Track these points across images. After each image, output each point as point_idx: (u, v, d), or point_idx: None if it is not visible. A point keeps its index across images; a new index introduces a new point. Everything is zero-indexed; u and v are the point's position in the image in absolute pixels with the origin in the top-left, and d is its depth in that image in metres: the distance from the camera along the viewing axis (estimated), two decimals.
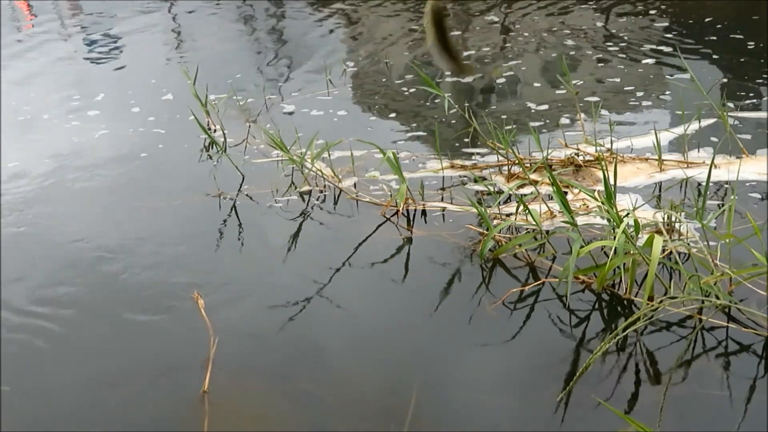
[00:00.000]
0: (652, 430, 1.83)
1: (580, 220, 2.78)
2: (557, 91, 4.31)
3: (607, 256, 2.55)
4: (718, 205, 2.93)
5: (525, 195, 3.08)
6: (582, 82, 4.44)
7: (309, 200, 3.36)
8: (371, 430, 2.07)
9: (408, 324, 2.48)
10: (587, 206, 2.99)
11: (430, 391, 2.17)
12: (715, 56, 4.67)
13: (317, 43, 5.90)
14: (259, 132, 3.94)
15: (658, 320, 2.31)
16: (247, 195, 3.45)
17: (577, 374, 2.12)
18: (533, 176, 3.20)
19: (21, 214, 3.46)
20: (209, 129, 4.08)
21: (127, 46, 6.40)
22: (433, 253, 2.86)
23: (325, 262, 2.85)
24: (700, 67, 4.45)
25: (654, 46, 4.96)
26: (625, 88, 4.32)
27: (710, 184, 2.62)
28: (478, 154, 3.62)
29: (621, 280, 2.50)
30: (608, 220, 2.54)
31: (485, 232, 2.83)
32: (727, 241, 2.39)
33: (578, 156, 3.37)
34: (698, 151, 3.39)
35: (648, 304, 2.25)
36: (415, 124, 4.12)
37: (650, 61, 4.72)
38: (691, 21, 5.44)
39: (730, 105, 3.82)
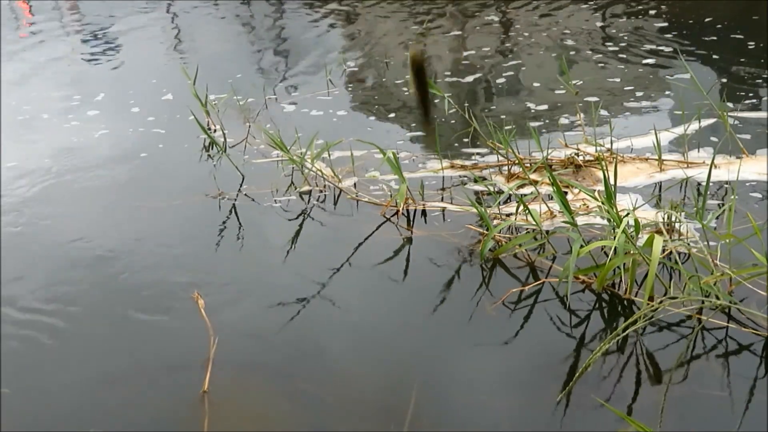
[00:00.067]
0: (652, 430, 1.83)
1: (580, 220, 2.79)
2: (557, 92, 4.31)
3: (607, 256, 2.55)
4: (719, 204, 2.93)
5: (525, 195, 3.08)
6: (582, 82, 4.44)
7: (309, 200, 3.36)
8: (371, 430, 2.07)
9: (408, 324, 2.48)
10: (587, 206, 2.99)
11: (430, 391, 2.17)
12: (715, 56, 4.67)
13: (317, 43, 5.90)
14: (259, 132, 3.94)
15: (658, 320, 2.31)
16: (246, 195, 3.45)
17: (577, 374, 2.12)
18: (533, 176, 3.20)
19: (20, 214, 3.46)
20: (209, 129, 4.08)
21: (126, 46, 6.40)
22: (433, 253, 2.86)
23: (325, 262, 2.85)
24: (700, 67, 4.46)
25: (654, 47, 4.96)
26: (625, 88, 4.32)
27: (710, 184, 2.62)
28: (478, 154, 3.62)
29: (621, 280, 2.49)
30: (608, 220, 2.54)
31: (485, 232, 2.83)
32: (727, 241, 2.39)
33: (578, 156, 3.37)
34: (698, 151, 3.39)
35: (648, 304, 2.25)
36: (414, 124, 4.12)
37: (650, 61, 4.72)
38: (691, 21, 5.44)
39: (730, 105, 3.82)
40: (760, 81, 4.23)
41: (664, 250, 2.48)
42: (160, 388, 2.28)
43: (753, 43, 4.81)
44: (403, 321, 2.51)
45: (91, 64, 5.97)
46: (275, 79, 5.15)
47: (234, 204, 3.38)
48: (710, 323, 2.30)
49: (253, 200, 3.40)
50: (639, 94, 4.22)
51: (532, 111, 4.12)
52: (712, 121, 3.59)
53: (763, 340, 2.21)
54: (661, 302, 2.26)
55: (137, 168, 3.87)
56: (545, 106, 4.16)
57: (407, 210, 3.16)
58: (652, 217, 2.82)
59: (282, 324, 2.52)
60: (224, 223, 3.25)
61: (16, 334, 2.60)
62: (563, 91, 4.19)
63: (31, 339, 2.57)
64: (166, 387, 2.29)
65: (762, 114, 3.79)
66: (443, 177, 3.42)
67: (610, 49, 5.05)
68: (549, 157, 3.36)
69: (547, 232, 2.81)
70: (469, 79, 4.75)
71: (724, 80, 4.28)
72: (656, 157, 3.30)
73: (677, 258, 2.55)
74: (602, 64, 4.80)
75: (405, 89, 4.66)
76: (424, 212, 3.15)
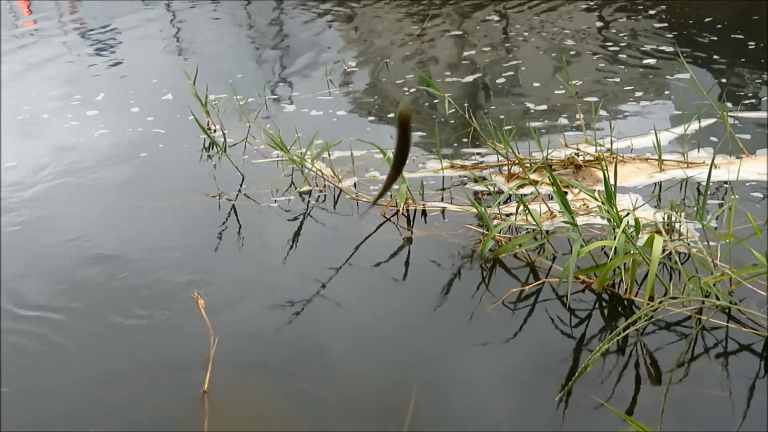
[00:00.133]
0: (652, 430, 1.82)
1: (580, 220, 2.78)
2: (557, 92, 4.31)
3: (608, 256, 2.55)
4: (719, 204, 2.93)
5: (525, 195, 3.08)
6: (581, 82, 4.44)
7: (309, 200, 3.36)
8: (371, 430, 2.07)
9: (408, 324, 2.48)
10: (587, 206, 2.99)
11: (430, 391, 2.17)
12: (715, 56, 4.67)
13: (317, 43, 5.90)
14: (259, 132, 3.94)
15: (658, 320, 2.31)
16: (245, 195, 3.45)
17: (577, 374, 2.12)
18: (533, 176, 3.20)
19: (19, 214, 3.46)
20: (209, 129, 4.08)
21: (126, 46, 6.40)
22: (433, 253, 2.85)
23: (325, 262, 2.85)
24: (700, 68, 4.46)
25: (654, 46, 4.96)
26: (625, 88, 4.32)
27: (710, 183, 2.62)
28: (478, 154, 3.63)
29: (621, 280, 2.49)
30: (608, 220, 2.54)
31: (485, 232, 2.83)
32: (727, 241, 2.39)
33: (578, 156, 3.37)
34: (698, 151, 3.39)
35: (648, 304, 2.25)
36: (415, 124, 4.12)
37: (650, 61, 4.72)
38: (691, 21, 5.44)
39: (730, 105, 3.82)
40: (760, 81, 4.23)
41: (664, 250, 2.48)
42: (160, 388, 2.28)
43: (753, 43, 4.81)
44: (403, 321, 2.51)
45: (91, 63, 5.97)
46: (275, 79, 5.16)
47: (234, 204, 3.38)
48: (710, 323, 2.30)
49: (253, 200, 3.40)
50: (639, 94, 4.22)
51: (532, 111, 4.12)
52: (712, 121, 3.59)
53: (763, 340, 2.21)
54: (661, 302, 2.26)
55: (137, 168, 3.87)
56: (545, 106, 4.16)
57: (407, 210, 3.16)
58: (651, 216, 2.82)
59: (282, 324, 2.52)
60: (224, 223, 3.25)
61: (16, 333, 2.60)
62: (563, 91, 4.19)
63: (29, 339, 2.57)
64: (166, 387, 2.29)
65: (762, 114, 3.79)
66: (443, 177, 3.42)
67: (610, 49, 5.05)
68: (549, 157, 3.36)
69: (547, 232, 2.81)
70: (469, 79, 4.75)
71: (724, 80, 4.28)
72: (656, 157, 3.30)
73: (677, 259, 2.55)
74: (602, 64, 4.80)
75: (405, 89, 4.66)
76: (424, 212, 3.15)
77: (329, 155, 3.52)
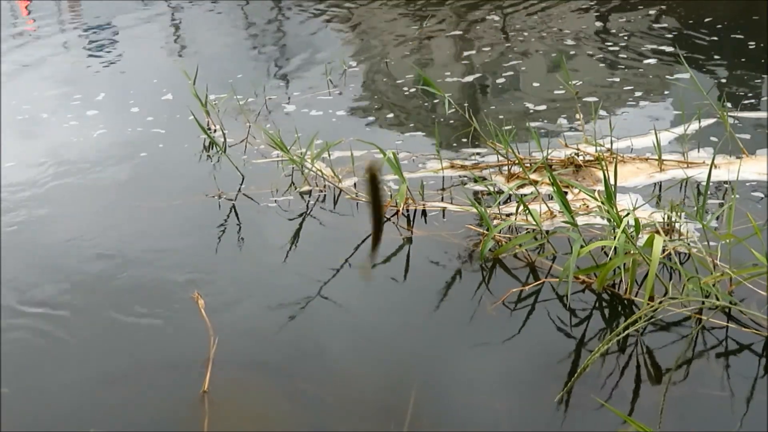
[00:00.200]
0: (652, 430, 1.82)
1: (581, 220, 2.78)
2: (557, 91, 4.31)
3: (608, 256, 2.55)
4: (719, 204, 2.93)
5: (525, 195, 3.08)
6: (581, 82, 4.44)
7: (309, 200, 3.36)
8: (371, 430, 2.07)
9: (408, 324, 2.48)
10: (587, 206, 2.99)
11: (430, 391, 2.17)
12: (715, 56, 4.67)
13: (317, 43, 5.90)
14: (259, 132, 3.94)
15: (658, 320, 2.31)
16: (245, 194, 3.45)
17: (577, 374, 2.12)
18: (533, 176, 3.19)
19: (18, 214, 3.46)
20: (209, 129, 4.08)
21: (126, 46, 6.40)
22: (433, 253, 2.85)
23: (325, 262, 2.85)
24: (700, 67, 4.46)
25: (654, 46, 4.96)
26: (625, 88, 4.32)
27: (710, 183, 2.62)
28: (478, 154, 3.62)
29: (621, 280, 2.49)
30: (608, 220, 2.54)
31: (485, 232, 2.83)
32: (727, 241, 2.39)
33: (578, 156, 3.37)
34: (698, 151, 3.40)
35: (648, 304, 2.24)
36: (415, 124, 4.12)
37: (650, 61, 4.72)
38: (691, 21, 5.44)
39: (730, 105, 3.82)
40: (760, 81, 4.23)
41: (664, 250, 2.48)
42: (160, 388, 2.28)
43: (753, 43, 4.81)
44: (403, 321, 2.51)
45: (91, 63, 5.97)
46: (275, 79, 5.15)
47: (234, 204, 3.38)
48: (710, 323, 2.30)
49: (253, 200, 3.40)
50: (639, 94, 4.22)
51: (532, 111, 4.12)
52: (712, 121, 3.59)
53: (763, 340, 2.21)
54: (661, 302, 2.26)
55: (137, 168, 3.87)
56: (545, 106, 4.17)
57: (407, 210, 3.16)
58: (651, 217, 2.82)
59: (282, 324, 2.52)
60: (224, 223, 3.25)
61: (15, 333, 2.60)
62: (563, 91, 4.18)
63: (29, 339, 2.57)
64: (166, 387, 2.29)
65: (762, 114, 3.79)
66: (443, 177, 3.42)
67: (610, 49, 5.05)
68: (549, 157, 3.36)
69: (547, 232, 2.81)
70: (469, 79, 4.75)
71: (724, 80, 4.28)
72: (656, 157, 3.30)
73: (676, 259, 2.55)
74: (602, 64, 4.79)
75: (405, 89, 4.66)
76: (424, 212, 3.15)
77: (329, 155, 3.52)
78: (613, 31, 5.45)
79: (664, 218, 2.77)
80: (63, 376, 2.38)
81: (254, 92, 4.70)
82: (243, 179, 3.58)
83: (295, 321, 2.53)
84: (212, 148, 3.96)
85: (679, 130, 3.48)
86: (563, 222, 2.72)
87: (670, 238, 2.66)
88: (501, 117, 3.93)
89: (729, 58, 4.63)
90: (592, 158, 3.36)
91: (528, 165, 3.28)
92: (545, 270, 2.67)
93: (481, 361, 2.29)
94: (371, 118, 4.29)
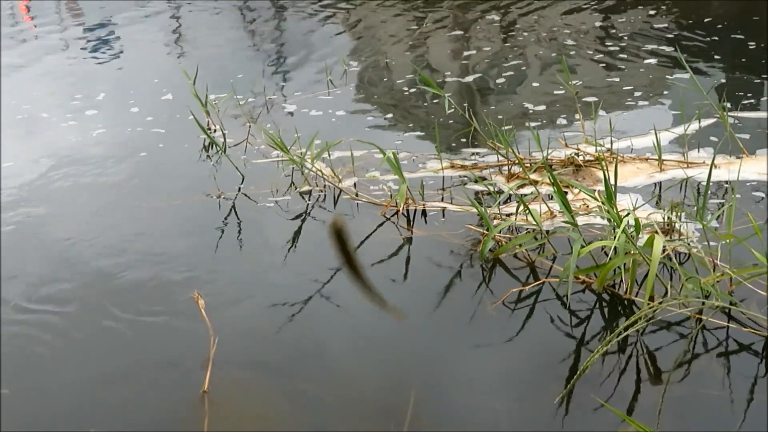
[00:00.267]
0: (652, 430, 1.82)
1: (581, 220, 2.78)
2: (557, 91, 4.31)
3: (608, 256, 2.55)
4: (719, 204, 2.93)
5: (525, 195, 3.08)
6: (581, 82, 4.44)
7: (309, 200, 3.36)
8: (371, 430, 2.07)
9: (408, 324, 2.48)
10: (587, 206, 2.99)
11: (429, 391, 2.17)
12: (715, 56, 4.67)
13: (318, 43, 5.90)
14: (259, 132, 3.94)
15: (659, 320, 2.31)
16: (245, 194, 3.45)
17: (577, 374, 2.12)
18: (533, 176, 3.19)
19: (17, 213, 3.45)
20: (209, 129, 4.08)
21: (127, 46, 6.40)
22: (433, 253, 2.85)
23: (325, 262, 2.84)
24: (700, 67, 4.46)
25: (654, 46, 4.96)
26: (625, 88, 4.32)
27: (710, 183, 2.62)
28: (477, 154, 3.63)
29: (621, 280, 2.49)
30: (608, 220, 2.54)
31: (485, 232, 2.83)
32: (728, 241, 2.39)
33: (578, 156, 3.37)
34: (698, 151, 3.39)
35: (648, 304, 2.24)
36: (415, 124, 4.12)
37: (650, 61, 4.72)
38: (691, 21, 5.44)
39: (730, 105, 3.82)
40: (760, 81, 4.23)
41: (664, 250, 2.48)
42: (160, 388, 2.28)
43: (753, 43, 4.81)
44: (403, 321, 2.51)
45: (91, 63, 5.97)
46: (275, 79, 5.15)
47: (234, 204, 3.38)
48: (710, 323, 2.30)
49: (253, 200, 3.40)
50: (639, 94, 4.22)
51: (531, 111, 4.12)
52: (712, 121, 3.59)
53: (763, 340, 2.21)
54: (661, 303, 2.26)
55: (137, 168, 3.86)
56: (545, 106, 4.16)
57: (407, 210, 3.16)
58: (651, 217, 2.82)
59: (282, 324, 2.52)
60: (224, 223, 3.25)
61: (15, 333, 2.60)
62: (563, 91, 4.18)
63: (29, 339, 2.57)
64: (166, 387, 2.29)
65: (762, 114, 3.79)
66: (443, 177, 3.42)
67: (610, 49, 5.04)
68: (549, 157, 3.36)
69: (548, 232, 2.81)
70: (469, 79, 4.75)
71: (724, 80, 4.28)
72: (656, 157, 3.30)
73: (674, 259, 2.55)
74: (602, 64, 4.80)
75: (405, 89, 4.66)
76: (424, 212, 3.15)
77: (329, 155, 3.52)
78: (613, 31, 5.45)
79: (664, 218, 2.77)
80: (63, 376, 2.38)
81: (254, 92, 4.70)
82: (243, 179, 3.58)
83: (295, 321, 2.53)
84: (212, 148, 3.96)
85: (679, 130, 3.48)
86: (563, 222, 2.72)
87: (670, 238, 2.66)
88: (500, 117, 3.93)
89: (729, 59, 4.63)
90: (592, 158, 3.36)
91: (528, 165, 3.28)
92: (545, 270, 2.67)
93: (481, 361, 2.29)
94: (371, 118, 4.29)
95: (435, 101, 4.27)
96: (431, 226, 3.04)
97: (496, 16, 6.15)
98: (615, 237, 2.34)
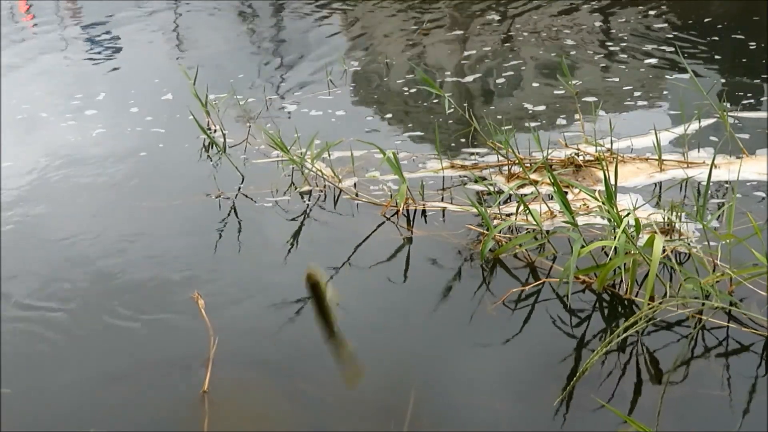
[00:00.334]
0: (651, 430, 1.82)
1: (581, 220, 2.78)
2: (556, 92, 4.31)
3: (608, 256, 2.55)
4: (719, 204, 2.93)
5: (525, 195, 3.08)
6: (581, 82, 4.44)
7: (309, 200, 3.35)
8: (371, 430, 2.07)
9: (408, 324, 2.48)
10: (587, 206, 2.99)
11: (429, 391, 2.17)
12: (715, 56, 4.67)
13: (317, 43, 5.89)
14: (259, 132, 3.93)
15: (659, 320, 2.31)
16: (245, 194, 3.45)
17: (577, 374, 2.12)
18: (533, 176, 3.19)
19: (17, 213, 3.45)
20: (209, 129, 4.08)
21: (126, 46, 6.39)
22: (433, 253, 2.85)
23: (325, 262, 2.84)
24: (700, 67, 4.45)
25: (654, 46, 4.95)
26: (625, 88, 4.32)
27: (710, 183, 2.62)
28: (477, 154, 3.62)
29: (621, 280, 2.49)
30: (609, 220, 2.54)
31: (485, 232, 2.83)
32: (728, 241, 2.39)
33: (578, 156, 3.37)
34: (698, 151, 3.39)
35: (648, 304, 2.24)
36: (414, 124, 4.12)
37: (650, 61, 4.72)
38: (691, 21, 5.43)
39: (730, 105, 3.82)
40: (760, 81, 4.23)
41: (664, 250, 2.48)
42: (160, 388, 2.28)
43: (753, 43, 4.81)
44: (403, 321, 2.51)
45: (90, 63, 5.96)
46: (275, 79, 5.15)
47: (234, 204, 3.38)
48: (710, 323, 2.30)
49: (253, 200, 3.40)
50: (639, 94, 4.22)
51: (531, 111, 4.12)
52: (712, 121, 3.59)
53: (763, 340, 2.21)
54: (661, 303, 2.26)
55: (136, 167, 3.86)
56: (545, 106, 4.16)
57: (407, 210, 3.16)
58: (651, 217, 2.82)
59: (282, 323, 2.52)
60: (224, 223, 3.25)
61: (15, 333, 2.60)
62: (563, 91, 4.18)
63: (29, 339, 2.57)
64: (166, 387, 2.29)
65: (762, 114, 3.79)
66: (443, 177, 3.42)
67: (610, 49, 5.04)
68: (549, 157, 3.35)
69: (548, 232, 2.81)
70: (469, 79, 4.75)
71: (724, 80, 4.28)
72: (656, 157, 3.30)
73: (674, 258, 2.55)
74: (602, 64, 4.79)
75: (405, 89, 4.66)
76: (424, 212, 3.15)
77: (329, 155, 3.52)
78: (613, 31, 5.45)
79: (664, 218, 2.77)
80: (63, 376, 2.38)
81: (254, 92, 4.69)
82: (243, 179, 3.58)
83: (296, 320, 2.53)
84: (212, 148, 3.96)
85: (679, 130, 3.47)
86: (563, 222, 2.72)
87: (670, 238, 2.66)
88: (500, 117, 3.93)
89: (729, 59, 4.62)
90: (592, 158, 3.36)
91: (528, 165, 3.28)
92: (545, 270, 2.67)
93: (481, 361, 2.29)
94: (371, 118, 4.28)
95: (435, 101, 4.27)
96: (431, 226, 3.04)
97: (496, 16, 6.15)
98: (615, 237, 2.34)
